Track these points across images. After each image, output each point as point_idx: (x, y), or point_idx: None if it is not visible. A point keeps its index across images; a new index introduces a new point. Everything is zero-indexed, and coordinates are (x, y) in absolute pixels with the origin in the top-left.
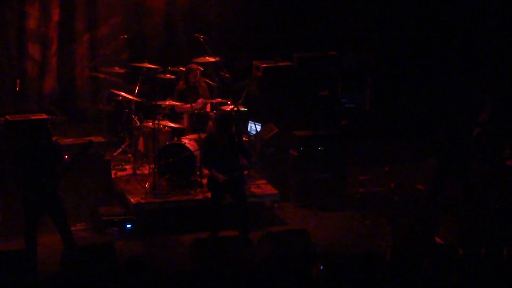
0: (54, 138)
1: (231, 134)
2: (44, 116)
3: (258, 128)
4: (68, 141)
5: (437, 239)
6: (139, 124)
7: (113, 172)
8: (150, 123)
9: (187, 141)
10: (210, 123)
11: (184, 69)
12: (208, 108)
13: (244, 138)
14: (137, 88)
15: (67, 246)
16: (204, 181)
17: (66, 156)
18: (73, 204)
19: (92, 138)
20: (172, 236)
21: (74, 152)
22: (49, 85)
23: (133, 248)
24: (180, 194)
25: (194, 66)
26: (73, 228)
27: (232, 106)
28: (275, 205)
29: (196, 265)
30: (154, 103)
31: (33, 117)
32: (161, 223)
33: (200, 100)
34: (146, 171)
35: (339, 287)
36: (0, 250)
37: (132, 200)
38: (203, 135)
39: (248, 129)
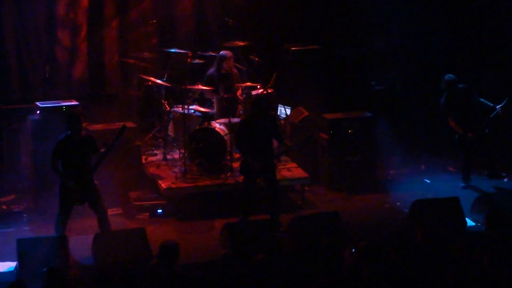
0: (84, 125)
1: (266, 118)
2: (80, 110)
3: (288, 111)
4: (98, 126)
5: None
6: (169, 109)
7: (143, 157)
8: (180, 108)
9: (217, 125)
10: (240, 107)
11: (213, 53)
12: (239, 93)
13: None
14: (166, 73)
15: (103, 231)
16: (235, 165)
17: (103, 150)
18: (105, 190)
19: (124, 123)
20: (203, 221)
21: (106, 138)
22: (78, 71)
23: (165, 233)
24: (211, 179)
25: (228, 54)
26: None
27: (262, 90)
28: (306, 188)
29: (227, 249)
30: (183, 87)
31: (70, 111)
32: (191, 208)
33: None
34: (177, 156)
35: (371, 270)
36: (34, 236)
37: (162, 185)
38: (233, 119)
39: (278, 113)
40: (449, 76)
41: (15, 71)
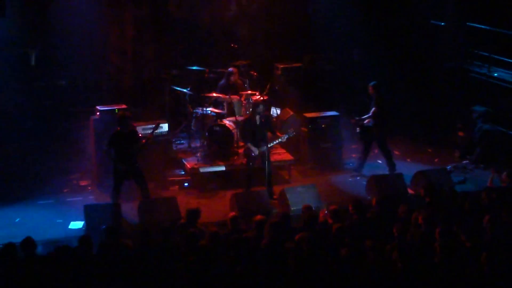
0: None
1: (263, 117)
2: (128, 112)
3: (278, 111)
4: (141, 124)
5: (410, 190)
6: (192, 111)
7: (174, 145)
8: (200, 109)
9: (227, 122)
10: (243, 109)
11: (224, 70)
12: (242, 98)
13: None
14: (190, 84)
15: (145, 199)
16: (240, 151)
17: (144, 141)
18: (147, 170)
19: (159, 121)
20: (217, 192)
21: (146, 132)
22: (126, 83)
23: (190, 201)
24: (223, 161)
25: (235, 70)
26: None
27: (259, 96)
28: (292, 167)
29: (235, 212)
30: (202, 95)
31: (120, 112)
32: (209, 182)
33: (236, 97)
34: (198, 145)
35: (341, 228)
36: (96, 203)
37: (188, 165)
38: (238, 118)
39: (271, 113)
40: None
41: (81, 84)
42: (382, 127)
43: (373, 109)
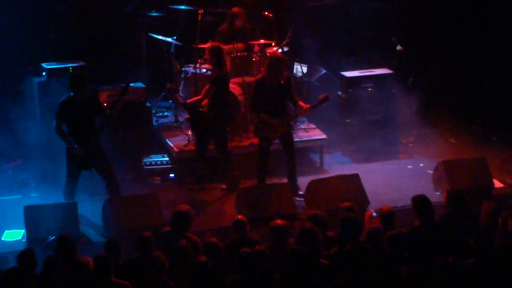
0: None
1: (281, 77)
2: (86, 73)
3: (304, 70)
4: (106, 88)
5: (496, 182)
6: (180, 69)
7: (154, 119)
8: (192, 67)
9: (231, 85)
10: (254, 66)
11: (225, 10)
12: (253, 51)
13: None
14: (176, 32)
15: (112, 196)
16: (250, 126)
17: (105, 104)
18: (115, 154)
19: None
20: (217, 185)
21: (112, 99)
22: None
23: (178, 199)
24: None
25: (240, 10)
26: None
27: (277, 48)
28: (324, 149)
29: (243, 213)
30: (194, 46)
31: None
32: (205, 172)
33: (241, 45)
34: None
35: (397, 236)
36: (42, 203)
37: (175, 148)
38: (247, 79)
39: (294, 72)
40: None
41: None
42: None
43: None
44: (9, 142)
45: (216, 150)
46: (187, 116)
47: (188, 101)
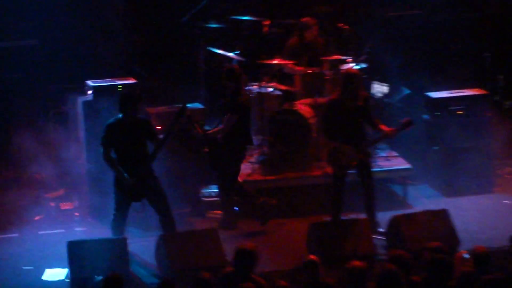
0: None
1: (358, 98)
2: (137, 92)
3: (385, 89)
4: (160, 109)
5: None
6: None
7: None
8: (256, 86)
9: (301, 106)
10: (328, 85)
11: (295, 22)
12: (325, 67)
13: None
14: (238, 46)
15: (167, 231)
16: (323, 154)
17: (159, 127)
18: (170, 184)
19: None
20: (285, 220)
21: (167, 122)
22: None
23: (241, 235)
24: (294, 170)
25: (311, 21)
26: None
27: (353, 64)
28: (408, 181)
29: (316, 252)
30: (259, 62)
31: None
32: (273, 205)
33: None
34: (254, 143)
35: (489, 280)
36: (87, 238)
37: (238, 178)
38: (319, 100)
39: (373, 92)
40: None
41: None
42: None
43: None
44: (50, 169)
45: (217, 181)
46: (205, 150)
47: (209, 131)
